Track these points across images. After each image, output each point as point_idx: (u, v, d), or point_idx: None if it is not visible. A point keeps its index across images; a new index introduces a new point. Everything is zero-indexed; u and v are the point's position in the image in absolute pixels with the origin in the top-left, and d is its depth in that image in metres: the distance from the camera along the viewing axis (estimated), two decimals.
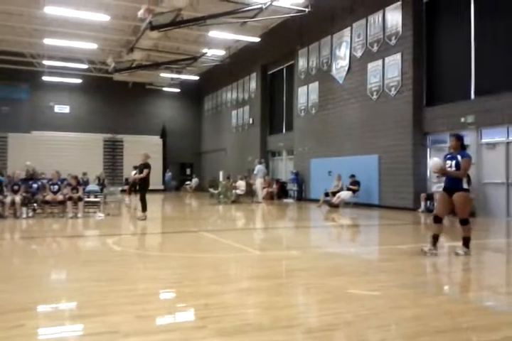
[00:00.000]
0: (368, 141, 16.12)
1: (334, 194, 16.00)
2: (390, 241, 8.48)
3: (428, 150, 14.67)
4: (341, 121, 17.65)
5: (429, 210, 13.50)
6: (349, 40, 17.26)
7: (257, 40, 21.48)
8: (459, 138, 6.67)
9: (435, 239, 6.53)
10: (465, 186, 6.46)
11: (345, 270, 5.70)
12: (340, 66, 17.79)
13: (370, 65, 16.15)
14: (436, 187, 13.56)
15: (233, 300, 4.27)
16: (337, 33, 17.96)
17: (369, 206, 15.50)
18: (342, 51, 17.68)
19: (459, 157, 6.45)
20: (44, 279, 5.30)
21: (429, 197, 13.67)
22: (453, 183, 6.51)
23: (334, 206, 15.62)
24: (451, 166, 6.49)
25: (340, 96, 17.75)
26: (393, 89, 15.11)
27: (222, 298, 4.31)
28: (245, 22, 19.54)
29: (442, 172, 6.55)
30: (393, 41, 15.14)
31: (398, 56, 14.93)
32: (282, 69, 23.18)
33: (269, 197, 20.80)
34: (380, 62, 15.70)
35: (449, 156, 6.63)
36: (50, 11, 17.35)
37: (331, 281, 5.00)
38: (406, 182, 14.41)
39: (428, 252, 6.43)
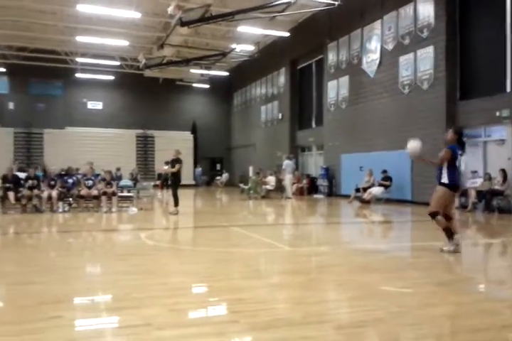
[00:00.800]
0: (400, 136, 15.82)
1: (365, 190, 15.83)
2: (422, 237, 8.35)
3: None
4: (372, 115, 17.42)
5: (463, 206, 13.22)
6: (380, 33, 16.98)
7: (286, 34, 21.36)
8: (457, 132, 6.47)
9: (447, 232, 6.39)
10: (444, 180, 6.28)
11: (376, 266, 5.65)
12: (371, 59, 17.54)
13: (401, 58, 15.87)
14: (471, 183, 13.28)
15: (264, 295, 4.31)
16: (367, 25, 17.69)
17: (401, 202, 15.27)
18: (373, 44, 17.42)
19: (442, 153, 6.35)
20: (80, 272, 5.45)
21: (464, 193, 13.38)
22: (437, 177, 6.42)
23: (365, 202, 15.46)
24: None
25: (371, 90, 17.51)
26: (426, 82, 14.81)
27: (254, 292, 4.34)
28: (274, 16, 19.45)
29: (417, 158, 6.38)
30: (425, 33, 14.82)
31: (431, 49, 14.60)
32: (311, 63, 23.01)
33: (299, 192, 20.74)
34: (411, 55, 15.40)
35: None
36: (82, 8, 17.67)
37: (362, 278, 4.97)
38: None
39: (446, 250, 6.33)
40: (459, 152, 6.40)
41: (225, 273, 5.28)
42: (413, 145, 6.43)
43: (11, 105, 28.41)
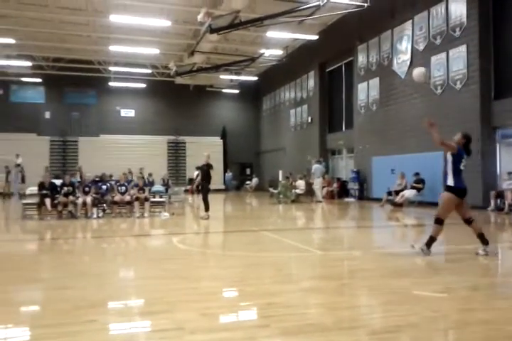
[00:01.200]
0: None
1: (397, 193, 15.59)
2: (457, 241, 8.14)
3: (497, 145, 13.97)
4: (404, 117, 17.15)
5: (499, 209, 12.86)
6: (410, 33, 16.74)
7: (315, 37, 21.29)
8: (465, 137, 6.44)
9: (480, 237, 6.26)
10: (450, 183, 6.19)
11: (409, 271, 5.55)
12: (401, 60, 17.31)
13: (433, 58, 15.59)
14: (507, 184, 12.91)
15: (296, 299, 4.28)
16: (398, 26, 17.47)
17: (435, 205, 14.90)
18: (403, 45, 17.19)
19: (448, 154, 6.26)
20: (114, 276, 5.55)
21: (500, 195, 13.02)
22: (443, 176, 6.41)
23: (398, 205, 15.21)
24: (445, 160, 6.34)
25: (402, 91, 17.26)
26: (459, 82, 14.50)
27: (285, 297, 4.32)
28: (303, 20, 19.43)
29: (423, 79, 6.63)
30: (457, 33, 14.53)
31: (463, 48, 14.30)
32: (341, 66, 22.86)
33: (330, 196, 20.58)
34: (443, 54, 15.12)
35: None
36: (114, 19, 18.09)
37: (395, 282, 4.89)
38: (474, 180, 13.76)
39: (482, 253, 6.20)
40: (464, 156, 6.30)
41: (255, 277, 5.27)
42: (418, 70, 6.79)
43: (47, 114, 29.32)
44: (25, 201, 13.14)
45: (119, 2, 18.66)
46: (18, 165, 24.13)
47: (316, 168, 19.20)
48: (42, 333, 3.41)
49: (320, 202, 18.47)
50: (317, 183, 18.98)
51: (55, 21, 20.99)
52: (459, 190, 6.19)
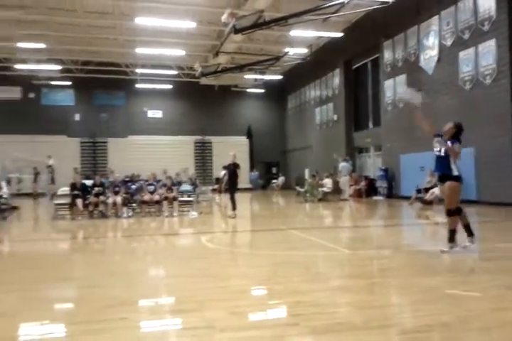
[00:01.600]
0: (463, 133, 15.22)
1: (427, 190, 15.34)
2: (489, 239, 7.97)
3: None
4: (432, 113, 16.81)
5: None
6: (437, 28, 16.44)
7: (340, 35, 21.12)
8: (456, 126, 6.35)
9: (464, 230, 6.36)
10: (455, 173, 6.13)
11: (440, 270, 5.46)
12: (428, 56, 17.01)
13: (461, 54, 15.28)
14: None
15: (325, 298, 4.27)
16: (424, 22, 17.18)
17: (466, 202, 14.62)
18: (430, 41, 16.89)
19: (449, 143, 6.17)
20: (144, 275, 5.64)
21: None
22: (442, 168, 6.24)
23: (427, 203, 14.97)
24: (440, 150, 6.23)
25: (430, 87, 16.94)
26: (488, 77, 14.17)
27: (314, 296, 4.32)
28: (327, 18, 19.27)
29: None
30: (486, 27, 14.19)
31: (493, 42, 13.96)
32: (366, 63, 22.62)
33: (357, 194, 20.39)
34: (472, 49, 14.79)
35: (438, 139, 6.28)
36: (140, 21, 18.34)
37: (425, 281, 4.81)
38: (506, 176, 13.44)
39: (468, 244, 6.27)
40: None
41: (284, 276, 5.28)
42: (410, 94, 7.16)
43: (76, 116, 29.93)
44: (57, 201, 13.45)
45: (145, 5, 18.92)
46: (50, 166, 24.74)
47: (343, 166, 19.08)
48: (76, 329, 3.50)
49: (346, 200, 18.33)
50: (344, 181, 18.86)
51: (83, 25, 21.41)
52: (462, 179, 6.24)
